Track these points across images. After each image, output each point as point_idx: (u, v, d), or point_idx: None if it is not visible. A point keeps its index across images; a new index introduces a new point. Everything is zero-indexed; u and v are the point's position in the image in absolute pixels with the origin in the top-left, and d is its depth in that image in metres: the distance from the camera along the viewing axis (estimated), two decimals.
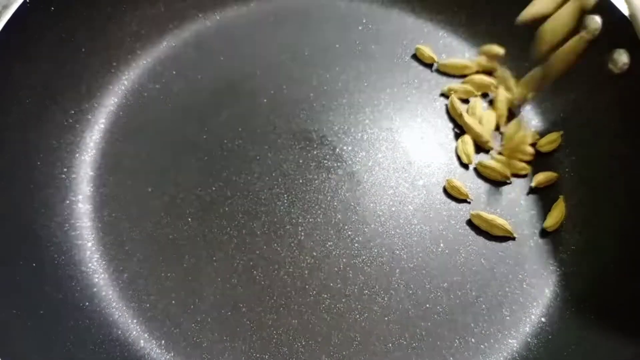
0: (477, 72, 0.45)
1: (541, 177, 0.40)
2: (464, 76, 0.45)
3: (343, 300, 0.36)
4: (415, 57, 0.47)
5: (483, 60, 0.45)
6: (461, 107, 0.43)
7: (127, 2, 0.45)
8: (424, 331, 0.35)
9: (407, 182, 0.41)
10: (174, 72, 0.45)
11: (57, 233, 0.37)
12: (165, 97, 0.43)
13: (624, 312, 0.34)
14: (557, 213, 0.39)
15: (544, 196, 0.40)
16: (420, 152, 0.42)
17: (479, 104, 0.43)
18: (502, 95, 0.43)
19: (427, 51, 0.46)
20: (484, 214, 0.38)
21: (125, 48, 0.45)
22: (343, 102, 0.44)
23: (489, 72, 0.45)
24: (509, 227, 0.38)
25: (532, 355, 0.35)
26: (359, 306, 0.36)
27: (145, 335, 0.35)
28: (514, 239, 0.38)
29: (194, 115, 0.43)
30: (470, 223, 0.39)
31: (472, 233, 0.39)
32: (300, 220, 0.39)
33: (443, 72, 0.46)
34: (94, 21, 0.44)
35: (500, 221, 0.38)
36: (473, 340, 0.35)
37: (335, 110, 0.43)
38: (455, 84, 0.45)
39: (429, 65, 0.46)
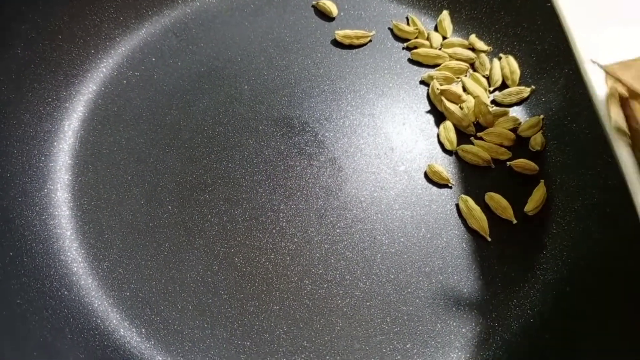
0: (451, 59, 0.45)
1: (519, 162, 0.40)
2: (437, 65, 0.45)
3: (325, 285, 0.36)
4: (397, 40, 0.46)
5: (456, 49, 0.45)
6: (441, 93, 0.43)
7: None
8: (406, 315, 0.35)
9: (389, 167, 0.40)
10: (154, 59, 0.44)
11: (35, 222, 0.37)
12: (145, 85, 0.43)
13: (605, 296, 0.35)
14: (538, 197, 0.39)
15: (525, 180, 0.40)
16: (401, 138, 0.42)
17: (458, 89, 0.43)
18: (470, 82, 0.44)
19: (404, 26, 0.46)
20: (471, 202, 0.38)
21: (103, 35, 0.44)
22: (325, 88, 0.44)
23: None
24: (486, 225, 0.38)
25: (514, 339, 0.35)
26: (341, 291, 0.36)
27: (125, 323, 0.34)
28: (487, 240, 0.38)
29: (173, 103, 0.42)
30: (451, 208, 0.39)
31: (454, 218, 0.39)
32: (281, 207, 0.39)
33: (416, 62, 0.45)
34: (71, 7, 0.43)
35: (480, 215, 0.38)
36: (454, 324, 0.35)
37: (316, 97, 0.43)
38: (434, 71, 0.44)
39: (410, 49, 0.46)
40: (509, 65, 0.44)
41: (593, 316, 0.34)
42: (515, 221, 0.39)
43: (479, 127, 0.42)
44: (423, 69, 0.45)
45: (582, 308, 0.35)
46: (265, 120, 0.42)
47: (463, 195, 0.39)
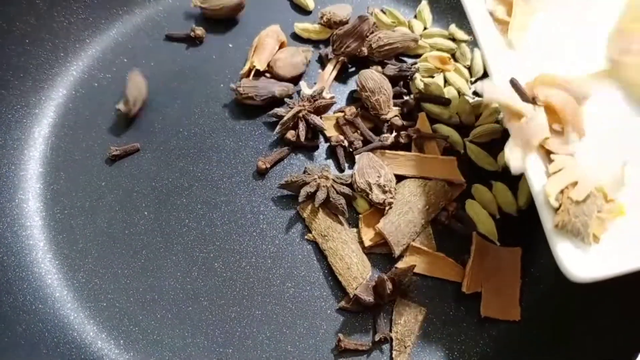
0: (432, 50, 0.44)
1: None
2: (418, 56, 0.44)
3: (307, 288, 0.35)
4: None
5: (436, 40, 0.44)
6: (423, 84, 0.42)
7: None
8: (391, 315, 0.34)
9: None
10: (125, 60, 0.43)
11: (6, 234, 0.36)
12: (117, 87, 0.41)
13: (597, 295, 0.34)
14: (527, 189, 0.38)
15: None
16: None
17: (440, 80, 0.42)
18: (451, 73, 0.43)
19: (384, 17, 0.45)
20: (478, 206, 0.37)
21: (72, 37, 0.43)
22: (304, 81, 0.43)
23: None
24: (494, 228, 0.37)
25: (505, 335, 0.34)
26: (324, 293, 0.35)
27: (103, 335, 0.33)
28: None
29: (147, 104, 0.41)
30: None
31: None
32: (262, 209, 0.38)
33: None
34: (37, 8, 0.42)
35: (488, 219, 0.37)
36: (443, 320, 0.35)
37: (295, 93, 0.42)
38: (417, 62, 0.43)
39: None
40: None
41: (585, 314, 0.34)
42: (498, 215, 0.38)
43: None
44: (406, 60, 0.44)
45: (573, 304, 0.34)
46: (242, 119, 0.41)
47: (471, 200, 0.38)
